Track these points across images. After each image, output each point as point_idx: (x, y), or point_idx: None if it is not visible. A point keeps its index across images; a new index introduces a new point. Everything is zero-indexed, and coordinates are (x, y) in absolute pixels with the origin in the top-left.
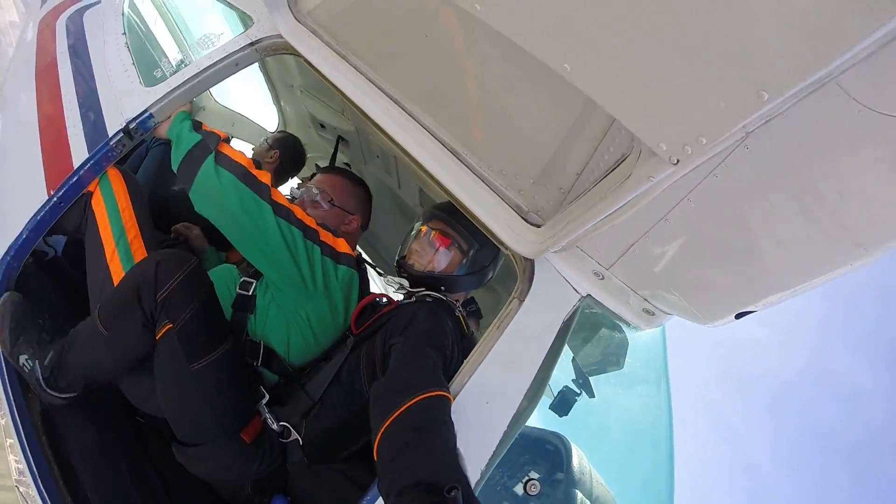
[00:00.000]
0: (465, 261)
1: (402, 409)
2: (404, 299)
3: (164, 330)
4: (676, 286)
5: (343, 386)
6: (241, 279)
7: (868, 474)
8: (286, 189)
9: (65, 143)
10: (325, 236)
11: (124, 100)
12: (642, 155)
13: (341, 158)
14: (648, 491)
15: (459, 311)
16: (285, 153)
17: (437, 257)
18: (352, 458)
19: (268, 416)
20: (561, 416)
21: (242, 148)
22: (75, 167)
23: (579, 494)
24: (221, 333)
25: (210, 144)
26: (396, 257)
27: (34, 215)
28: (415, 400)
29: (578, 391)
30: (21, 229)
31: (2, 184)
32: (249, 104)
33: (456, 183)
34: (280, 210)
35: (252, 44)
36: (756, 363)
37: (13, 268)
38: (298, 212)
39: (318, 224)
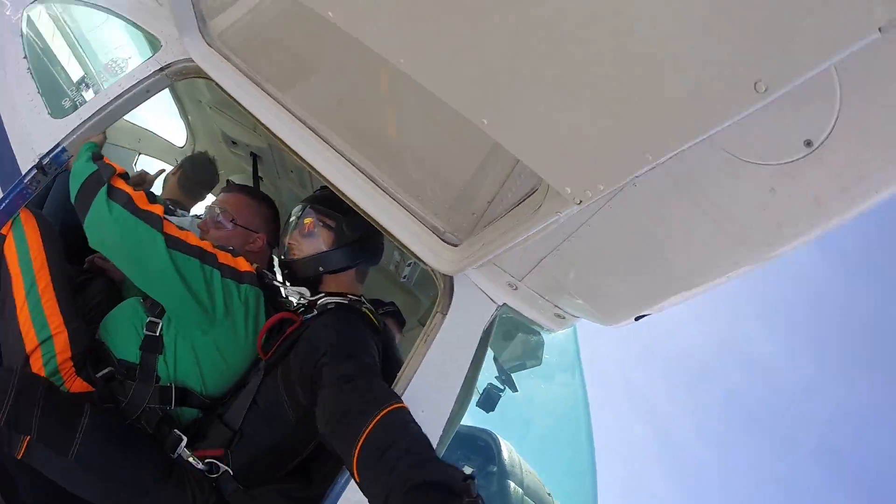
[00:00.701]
0: (335, 235)
1: (368, 429)
2: (307, 313)
3: (24, 446)
4: (581, 293)
5: (262, 412)
6: (148, 319)
7: (787, 440)
8: (201, 208)
9: None
10: (224, 257)
11: (34, 134)
12: (549, 193)
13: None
14: (574, 474)
15: (366, 307)
16: (190, 168)
17: (306, 240)
18: (289, 475)
19: (191, 457)
20: (487, 412)
21: (151, 165)
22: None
23: (512, 484)
24: (75, 409)
25: (104, 176)
26: (278, 259)
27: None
28: (377, 418)
29: (502, 387)
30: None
31: None
32: (156, 119)
33: (373, 205)
34: (172, 240)
35: (162, 69)
36: (673, 340)
37: None
38: (192, 238)
39: (214, 247)
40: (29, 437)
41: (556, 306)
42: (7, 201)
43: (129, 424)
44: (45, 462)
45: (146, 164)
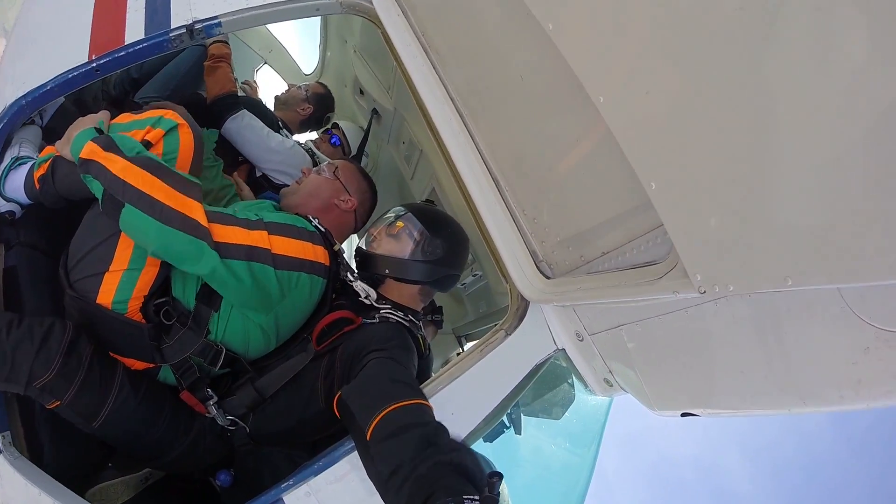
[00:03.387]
0: (415, 247)
1: (404, 402)
2: (367, 319)
3: (52, 405)
4: (642, 371)
5: (296, 392)
6: None
7: None
8: (303, 139)
9: (121, 16)
10: (283, 246)
11: None
12: (675, 270)
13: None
14: None
15: (420, 333)
16: (318, 111)
17: (389, 239)
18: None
19: (216, 413)
20: (486, 441)
21: (271, 79)
22: (125, 43)
23: None
24: (111, 374)
25: (118, 195)
26: (356, 247)
27: (66, 72)
28: (415, 401)
29: (508, 424)
30: (48, 80)
31: (45, 31)
32: (292, 36)
33: (486, 206)
34: (222, 248)
35: None
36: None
37: (23, 114)
38: (239, 236)
39: (270, 230)
40: (56, 403)
41: (610, 371)
42: (148, 44)
43: (157, 388)
44: (68, 417)
45: (266, 74)
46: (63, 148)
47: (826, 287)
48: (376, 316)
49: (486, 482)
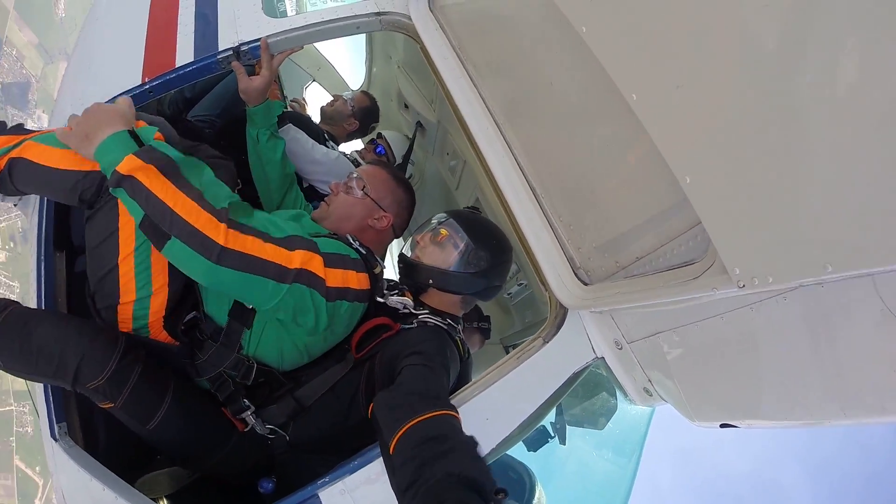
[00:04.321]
0: (459, 258)
1: (426, 416)
2: (405, 324)
3: (105, 406)
4: (681, 379)
5: (337, 401)
6: None
7: None
8: (348, 148)
9: (172, 38)
10: (334, 278)
11: (243, 20)
12: (714, 267)
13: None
14: None
15: (459, 337)
16: (364, 124)
17: (433, 248)
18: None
19: (255, 423)
20: (530, 450)
21: (318, 96)
22: (176, 66)
23: None
24: (164, 384)
25: (162, 222)
26: (399, 252)
27: (123, 93)
28: (438, 413)
29: (553, 434)
30: (106, 100)
31: (102, 54)
32: (339, 53)
33: (523, 214)
34: (303, 278)
35: (378, 14)
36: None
37: None
38: (312, 264)
39: (325, 262)
40: (110, 405)
41: (649, 381)
42: (197, 66)
43: (204, 393)
44: (121, 418)
45: (315, 91)
46: (81, 145)
47: (866, 272)
48: (414, 321)
49: (492, 498)
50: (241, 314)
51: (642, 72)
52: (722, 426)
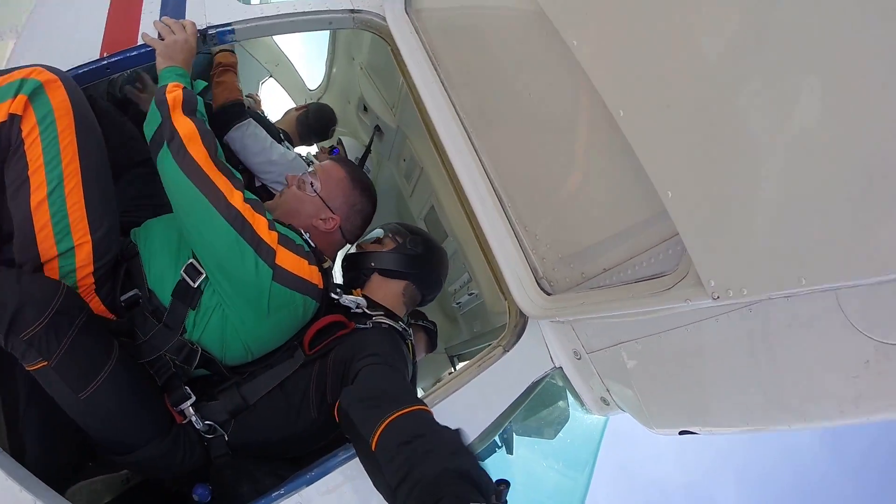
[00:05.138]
0: (396, 245)
1: (405, 410)
2: (359, 324)
3: (37, 366)
4: (641, 388)
5: (284, 399)
6: (190, 261)
7: None
8: (303, 151)
9: (136, 17)
10: (286, 259)
11: (211, 5)
12: (687, 279)
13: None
14: None
15: (410, 340)
16: (316, 114)
17: (371, 245)
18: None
19: (194, 417)
20: None
21: (277, 93)
22: (137, 44)
23: None
24: (105, 349)
25: (164, 134)
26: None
27: (76, 67)
28: (415, 408)
29: (500, 444)
30: None
31: (58, 29)
32: (299, 51)
33: (488, 221)
34: (238, 222)
35: (353, 11)
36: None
37: None
38: (260, 227)
39: (280, 235)
40: (43, 364)
41: (607, 390)
42: None
43: (146, 374)
44: (52, 385)
45: (271, 87)
46: (162, 60)
47: (839, 286)
48: (369, 322)
49: (494, 490)
50: (185, 294)
51: (633, 90)
52: (681, 433)
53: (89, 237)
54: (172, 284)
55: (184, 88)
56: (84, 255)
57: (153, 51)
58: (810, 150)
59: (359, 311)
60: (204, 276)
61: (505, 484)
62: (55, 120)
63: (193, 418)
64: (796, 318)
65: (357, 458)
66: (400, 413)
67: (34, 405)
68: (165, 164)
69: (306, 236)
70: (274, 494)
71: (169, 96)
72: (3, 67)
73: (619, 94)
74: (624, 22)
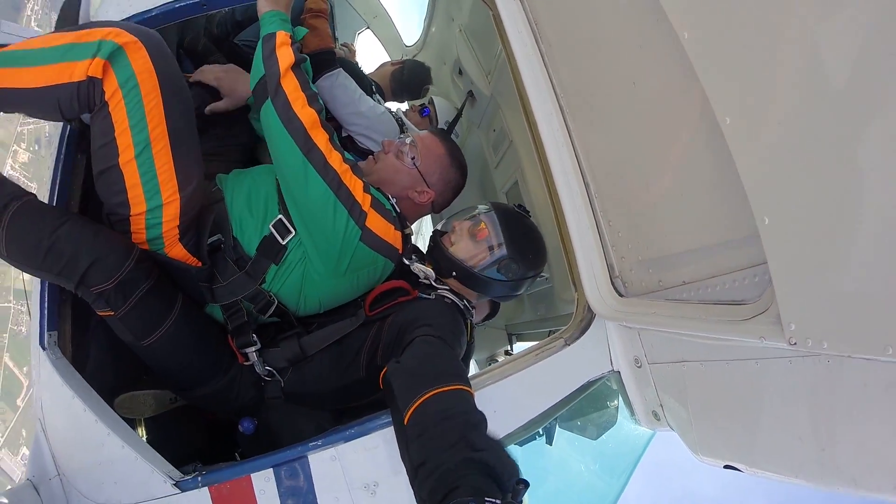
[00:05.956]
0: (490, 262)
1: (443, 388)
2: (423, 293)
3: (105, 314)
4: (696, 412)
5: (340, 355)
6: (279, 217)
7: None
8: (394, 107)
9: None
10: (374, 222)
11: None
12: (767, 315)
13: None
14: None
15: (470, 319)
16: (411, 71)
17: (468, 241)
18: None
19: (256, 361)
20: (515, 445)
21: (374, 44)
22: None
23: None
24: (170, 303)
25: (269, 86)
26: (436, 227)
27: (173, 1)
28: (455, 387)
29: (541, 432)
30: (154, 6)
31: None
32: (398, 5)
33: (572, 209)
34: (335, 183)
35: None
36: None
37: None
38: (357, 189)
39: (373, 199)
40: (110, 314)
41: (661, 405)
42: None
43: (210, 320)
44: (117, 330)
45: (368, 39)
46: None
47: None
48: (433, 294)
49: (512, 487)
50: (272, 249)
51: (743, 96)
52: (726, 467)
53: (178, 195)
54: (259, 237)
55: (292, 44)
56: (172, 212)
57: None
58: None
59: (426, 281)
60: (293, 234)
61: (524, 483)
62: (139, 84)
63: (256, 363)
64: (871, 382)
65: None
66: (437, 391)
67: (103, 324)
68: (270, 118)
69: (393, 201)
70: (311, 444)
71: (278, 53)
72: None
73: (727, 99)
74: (742, 17)
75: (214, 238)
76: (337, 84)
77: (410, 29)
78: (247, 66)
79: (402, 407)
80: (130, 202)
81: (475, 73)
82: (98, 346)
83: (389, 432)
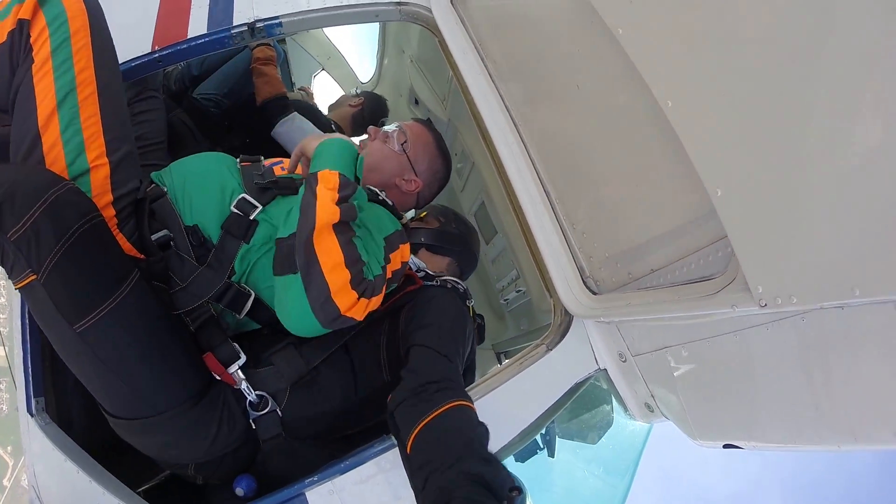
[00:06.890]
0: (442, 224)
1: (439, 410)
2: (428, 280)
3: (25, 281)
4: (686, 396)
5: (354, 358)
6: (241, 196)
7: None
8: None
9: (186, 11)
10: (394, 264)
11: None
12: (734, 284)
13: None
14: None
15: (471, 301)
16: (370, 104)
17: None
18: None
19: (244, 384)
20: (518, 461)
21: (326, 86)
22: (188, 36)
23: None
24: (116, 273)
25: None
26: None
27: (129, 60)
28: (451, 405)
29: (542, 446)
30: None
31: (111, 16)
32: (350, 44)
33: (535, 217)
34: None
35: (399, 3)
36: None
37: None
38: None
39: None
40: (32, 278)
41: (652, 396)
42: (209, 38)
43: (177, 321)
44: (41, 313)
45: (324, 80)
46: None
47: (891, 299)
48: (436, 280)
49: (506, 496)
50: (240, 227)
51: (680, 78)
52: (725, 447)
53: (106, 159)
54: (220, 220)
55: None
56: (100, 180)
57: (204, 43)
58: (874, 155)
59: (420, 273)
60: (260, 208)
61: (517, 490)
62: (68, 20)
63: (244, 385)
64: (851, 332)
65: (392, 451)
66: (435, 414)
67: (79, 384)
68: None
69: (383, 195)
70: (307, 481)
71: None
72: None
73: (666, 84)
74: (670, 4)
75: (161, 234)
76: (294, 128)
77: (364, 65)
78: (207, 119)
79: (405, 437)
80: (49, 168)
81: (430, 100)
82: (80, 405)
83: (384, 459)
